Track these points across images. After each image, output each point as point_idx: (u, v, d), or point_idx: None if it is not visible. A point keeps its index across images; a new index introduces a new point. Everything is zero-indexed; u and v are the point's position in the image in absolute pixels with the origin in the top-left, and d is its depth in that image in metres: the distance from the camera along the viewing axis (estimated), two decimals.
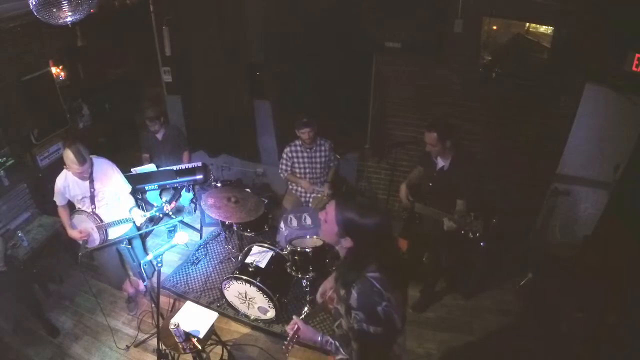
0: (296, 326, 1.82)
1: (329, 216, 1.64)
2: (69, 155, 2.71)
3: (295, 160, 3.76)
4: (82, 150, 2.74)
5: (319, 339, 1.79)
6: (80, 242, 3.07)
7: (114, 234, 3.11)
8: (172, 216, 4.44)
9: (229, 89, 4.40)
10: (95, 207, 2.96)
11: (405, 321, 1.72)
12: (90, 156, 2.90)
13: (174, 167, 4.11)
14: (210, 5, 3.98)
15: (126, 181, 3.15)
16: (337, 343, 1.74)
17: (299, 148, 3.72)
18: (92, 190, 2.92)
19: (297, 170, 3.81)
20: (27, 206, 4.04)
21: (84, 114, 5.05)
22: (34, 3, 2.01)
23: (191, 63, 4.42)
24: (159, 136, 4.26)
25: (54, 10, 2.05)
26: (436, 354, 3.09)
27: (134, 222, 3.14)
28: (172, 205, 2.99)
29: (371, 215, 1.60)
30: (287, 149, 3.76)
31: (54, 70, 4.45)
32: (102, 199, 2.99)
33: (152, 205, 4.11)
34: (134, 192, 3.50)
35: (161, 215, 2.97)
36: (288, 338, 1.84)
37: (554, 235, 3.85)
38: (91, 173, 2.89)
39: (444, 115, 3.70)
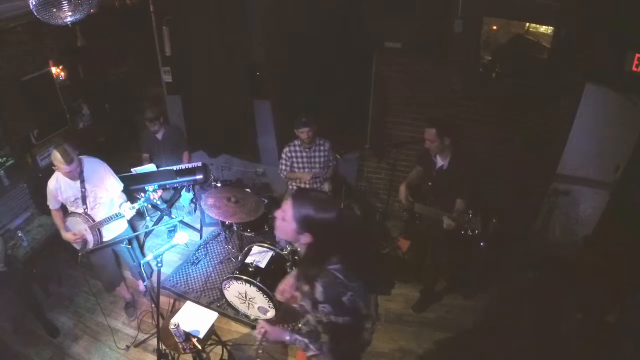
0: (263, 329, 1.84)
1: (287, 214, 1.63)
2: (56, 156, 2.70)
3: (295, 160, 3.76)
4: (68, 150, 2.73)
5: (288, 337, 1.81)
6: (76, 244, 3.05)
7: (108, 233, 3.09)
8: (172, 216, 4.47)
9: (229, 89, 4.39)
10: (87, 208, 2.94)
11: (375, 308, 1.74)
12: (80, 157, 2.90)
13: (174, 167, 4.12)
14: (210, 6, 3.98)
15: (119, 180, 3.14)
16: (306, 340, 1.75)
17: (298, 148, 3.72)
18: (83, 190, 2.91)
19: (297, 170, 3.81)
20: (27, 206, 4.04)
21: (84, 114, 5.05)
22: (34, 3, 2.01)
23: (191, 63, 4.42)
24: (159, 136, 4.26)
25: (54, 10, 2.05)
26: (436, 354, 3.09)
27: (128, 223, 3.12)
28: (160, 193, 2.96)
29: (328, 209, 1.60)
30: (286, 149, 3.76)
31: (54, 70, 4.44)
32: (95, 199, 2.98)
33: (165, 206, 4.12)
34: (133, 192, 3.50)
35: (149, 206, 2.93)
36: (257, 342, 1.86)
37: (554, 235, 3.85)
38: (82, 172, 2.89)
39: (444, 115, 3.70)
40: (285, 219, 1.64)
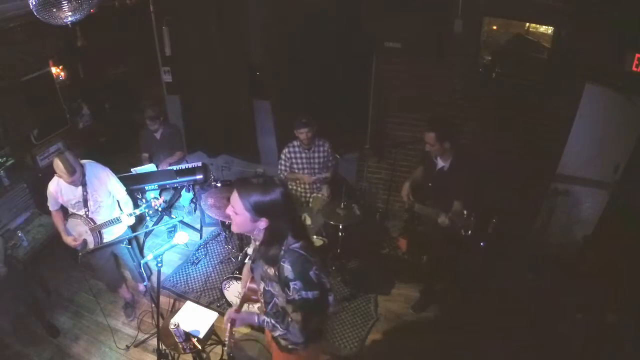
0: (231, 318, 1.90)
1: (237, 207, 1.66)
2: (58, 165, 2.69)
3: (294, 160, 3.75)
4: (71, 160, 2.70)
5: (256, 319, 1.86)
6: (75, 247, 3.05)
7: (108, 236, 3.09)
8: (172, 216, 4.47)
9: (229, 89, 4.39)
10: (89, 211, 2.94)
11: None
12: (83, 161, 2.90)
13: (174, 167, 4.12)
14: (210, 5, 3.98)
15: (122, 186, 3.13)
16: (272, 321, 1.80)
17: (297, 149, 3.71)
18: (84, 194, 2.90)
19: (296, 171, 3.81)
20: (27, 206, 4.04)
21: (84, 114, 5.05)
22: (34, 3, 2.01)
23: (191, 63, 4.42)
24: (157, 135, 4.27)
25: (54, 10, 2.05)
26: (436, 354, 3.09)
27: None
28: (160, 200, 2.97)
29: (273, 189, 1.64)
30: (285, 150, 3.76)
31: (54, 70, 4.45)
32: (95, 202, 2.97)
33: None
34: (133, 193, 3.50)
35: (150, 212, 2.93)
36: (227, 334, 1.94)
37: (554, 235, 3.85)
38: (84, 177, 2.88)
39: (444, 115, 3.71)
40: (238, 212, 1.67)
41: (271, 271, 1.73)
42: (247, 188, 1.64)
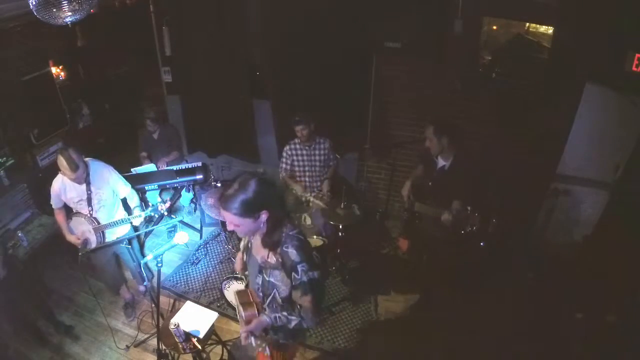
0: (246, 333, 1.88)
1: (233, 220, 1.69)
2: (62, 162, 2.69)
3: (295, 158, 3.78)
4: (74, 157, 2.70)
5: (268, 320, 1.85)
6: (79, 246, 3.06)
7: (111, 236, 3.10)
8: (172, 216, 4.47)
9: (229, 89, 4.39)
10: (92, 210, 2.94)
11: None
12: (86, 159, 2.89)
13: (174, 167, 4.12)
14: (210, 5, 3.98)
15: (125, 182, 3.14)
16: (285, 313, 1.81)
17: (298, 146, 3.74)
18: (88, 192, 2.90)
19: (297, 169, 3.82)
20: (27, 206, 4.03)
21: (84, 114, 5.04)
22: (34, 3, 2.01)
23: (191, 63, 4.42)
24: (155, 136, 4.28)
25: (54, 10, 2.05)
26: (436, 354, 3.09)
27: (131, 223, 3.12)
28: (167, 204, 2.97)
29: (248, 182, 1.66)
30: (286, 147, 3.79)
31: (54, 70, 4.44)
32: (100, 201, 2.97)
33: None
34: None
35: (157, 215, 2.95)
36: (255, 345, 1.95)
37: (554, 235, 3.85)
38: (88, 175, 2.88)
39: (445, 115, 3.70)
40: (238, 224, 1.71)
41: (272, 259, 1.76)
42: (228, 199, 1.66)
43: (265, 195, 1.68)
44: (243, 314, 1.95)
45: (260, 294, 1.91)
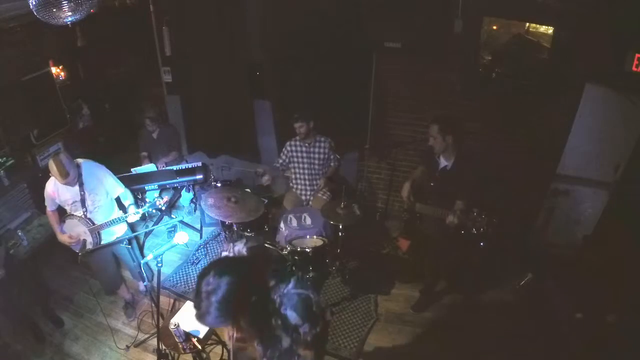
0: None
1: (216, 324, 1.60)
2: (52, 168, 2.69)
3: (294, 155, 3.80)
4: (65, 162, 2.70)
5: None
6: (73, 246, 3.05)
7: (107, 236, 3.08)
8: (172, 216, 4.47)
9: (228, 89, 4.39)
10: (87, 211, 2.93)
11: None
12: (79, 160, 2.89)
13: (174, 167, 4.12)
14: (210, 5, 3.98)
15: (119, 182, 3.12)
16: None
17: (298, 143, 3.78)
18: (82, 194, 2.89)
19: (296, 166, 3.84)
20: (27, 206, 4.04)
21: (84, 114, 5.04)
22: (34, 3, 2.01)
23: (191, 63, 4.42)
24: (154, 135, 4.28)
25: (54, 10, 2.05)
26: (436, 354, 3.09)
27: (127, 222, 3.11)
28: (165, 200, 2.96)
29: (219, 281, 1.48)
30: (288, 143, 3.84)
31: (54, 70, 4.44)
32: (93, 202, 2.96)
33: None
34: (133, 193, 3.49)
35: (154, 211, 2.94)
36: None
37: (554, 235, 3.85)
38: (80, 176, 2.87)
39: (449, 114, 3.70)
40: (236, 329, 1.62)
41: (276, 324, 1.60)
42: (202, 309, 1.49)
43: (239, 283, 1.50)
44: (233, 340, 1.80)
45: (259, 344, 1.71)
